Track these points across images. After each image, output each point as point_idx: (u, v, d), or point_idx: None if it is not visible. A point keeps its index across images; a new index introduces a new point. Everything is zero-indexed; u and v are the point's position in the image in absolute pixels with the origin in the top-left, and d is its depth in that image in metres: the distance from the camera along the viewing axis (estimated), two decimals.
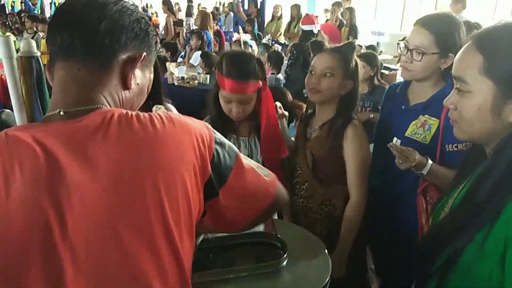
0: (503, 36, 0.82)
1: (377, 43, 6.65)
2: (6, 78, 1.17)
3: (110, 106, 0.72)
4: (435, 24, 1.40)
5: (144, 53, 0.75)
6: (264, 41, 5.94)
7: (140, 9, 0.79)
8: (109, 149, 0.64)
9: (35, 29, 6.64)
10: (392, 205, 1.61)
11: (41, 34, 6.31)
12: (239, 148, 1.56)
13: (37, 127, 0.66)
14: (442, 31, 1.39)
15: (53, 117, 0.68)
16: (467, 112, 0.86)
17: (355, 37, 6.30)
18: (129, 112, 0.69)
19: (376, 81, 3.05)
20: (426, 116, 1.48)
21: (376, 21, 9.09)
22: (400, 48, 1.50)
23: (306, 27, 5.61)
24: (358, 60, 1.56)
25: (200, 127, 0.74)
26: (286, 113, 1.73)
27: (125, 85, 0.74)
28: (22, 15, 8.70)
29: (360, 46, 4.75)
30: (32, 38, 6.13)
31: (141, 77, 0.77)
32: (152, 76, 0.82)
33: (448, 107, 0.92)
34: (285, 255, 1.15)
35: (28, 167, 0.61)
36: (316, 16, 5.44)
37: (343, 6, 6.96)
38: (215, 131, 0.78)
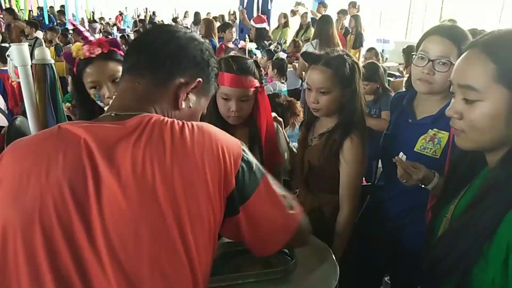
0: None
1: (383, 50, 6.67)
2: (21, 85, 1.20)
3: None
4: (453, 33, 1.36)
5: (200, 79, 0.82)
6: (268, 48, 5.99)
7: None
8: (136, 152, 0.68)
9: (34, 34, 6.70)
10: (398, 221, 1.58)
11: (41, 38, 6.34)
12: None
13: (87, 124, 0.73)
14: (460, 40, 1.34)
15: (105, 118, 0.76)
16: (479, 121, 0.83)
17: (361, 44, 6.33)
18: (165, 119, 0.73)
19: (381, 90, 3.07)
20: (435, 129, 1.44)
21: (381, 29, 9.12)
22: (413, 59, 1.44)
23: (258, 25, 5.97)
24: (354, 62, 1.51)
25: (231, 142, 0.78)
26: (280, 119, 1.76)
27: (176, 105, 0.81)
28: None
29: (374, 50, 4.82)
30: (33, 44, 6.22)
31: (195, 102, 0.85)
32: (206, 104, 0.90)
33: (451, 117, 0.89)
34: (292, 261, 1.16)
35: (70, 157, 0.67)
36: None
37: (348, 14, 7.00)
38: (246, 151, 0.80)
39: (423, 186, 1.31)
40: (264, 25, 6.36)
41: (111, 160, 0.67)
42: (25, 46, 1.21)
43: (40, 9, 12.92)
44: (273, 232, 0.84)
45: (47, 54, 1.28)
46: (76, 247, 0.64)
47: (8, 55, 1.22)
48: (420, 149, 1.47)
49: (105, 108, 1.39)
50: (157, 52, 0.78)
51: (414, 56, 1.44)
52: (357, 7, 7.28)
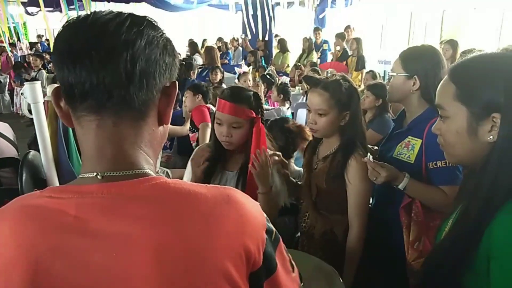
0: (471, 67, 0.92)
1: (384, 71, 6.74)
2: (34, 121, 1.25)
3: (149, 156, 0.64)
4: (405, 53, 1.62)
5: (175, 80, 0.65)
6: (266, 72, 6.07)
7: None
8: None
9: (40, 66, 6.98)
10: (387, 225, 1.61)
11: (44, 72, 6.70)
12: (225, 182, 1.61)
13: (73, 194, 0.57)
14: (408, 57, 1.60)
15: (89, 180, 0.59)
16: (448, 136, 0.94)
17: (363, 66, 6.42)
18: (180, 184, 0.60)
19: (378, 111, 3.10)
20: (409, 137, 1.60)
21: (382, 50, 9.24)
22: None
23: None
24: (352, 87, 1.57)
25: (256, 211, 0.65)
26: (279, 154, 1.68)
27: (161, 122, 0.65)
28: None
29: (372, 72, 4.86)
30: (36, 76, 6.52)
31: None
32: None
33: (436, 133, 1.00)
34: (300, 285, 1.17)
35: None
36: None
37: (346, 38, 7.12)
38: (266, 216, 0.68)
39: (395, 186, 1.44)
40: None
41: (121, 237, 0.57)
42: (37, 85, 1.27)
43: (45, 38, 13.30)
44: None
45: None
46: None
47: (22, 93, 1.27)
48: (396, 154, 1.62)
49: None
50: (128, 75, 0.58)
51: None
52: (351, 29, 7.40)
